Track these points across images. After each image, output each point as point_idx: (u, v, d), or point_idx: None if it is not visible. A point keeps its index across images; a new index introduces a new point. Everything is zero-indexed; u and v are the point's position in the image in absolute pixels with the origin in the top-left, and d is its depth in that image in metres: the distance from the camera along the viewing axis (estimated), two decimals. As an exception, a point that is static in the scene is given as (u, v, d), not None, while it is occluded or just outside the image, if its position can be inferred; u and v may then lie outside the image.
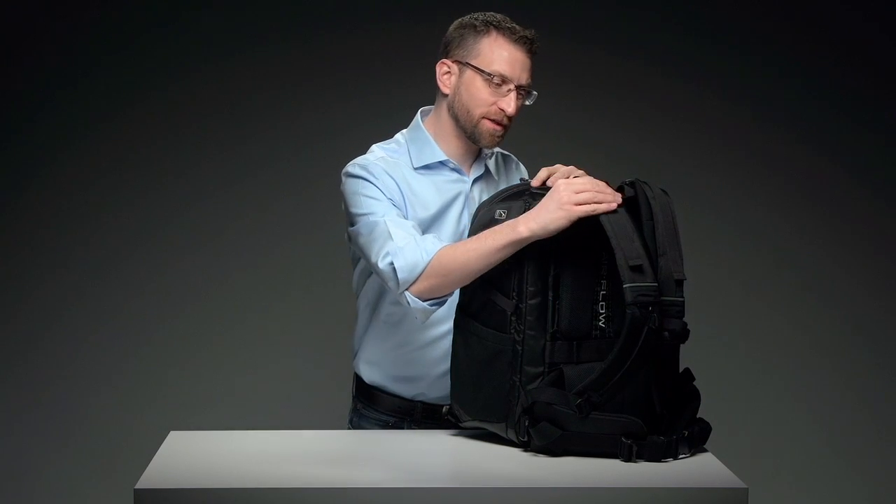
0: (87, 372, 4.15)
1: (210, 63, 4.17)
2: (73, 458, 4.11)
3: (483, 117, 2.58)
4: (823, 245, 4.29)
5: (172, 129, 4.19)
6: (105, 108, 4.16)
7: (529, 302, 2.32)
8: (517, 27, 2.59)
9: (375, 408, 2.73)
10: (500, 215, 2.40)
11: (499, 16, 2.61)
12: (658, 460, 2.27)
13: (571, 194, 2.29)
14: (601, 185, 2.33)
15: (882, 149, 4.29)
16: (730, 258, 4.27)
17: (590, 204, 2.29)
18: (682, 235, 2.33)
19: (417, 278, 2.41)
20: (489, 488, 2.15)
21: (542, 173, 2.47)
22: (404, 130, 2.72)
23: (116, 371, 4.15)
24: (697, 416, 2.38)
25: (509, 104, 2.56)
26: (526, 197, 2.40)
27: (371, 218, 2.51)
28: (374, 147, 2.69)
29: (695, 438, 2.33)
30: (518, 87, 2.57)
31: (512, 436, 2.35)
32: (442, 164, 2.65)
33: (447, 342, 2.55)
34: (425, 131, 2.66)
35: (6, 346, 4.15)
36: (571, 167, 2.48)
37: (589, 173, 2.49)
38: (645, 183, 2.36)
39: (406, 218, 2.57)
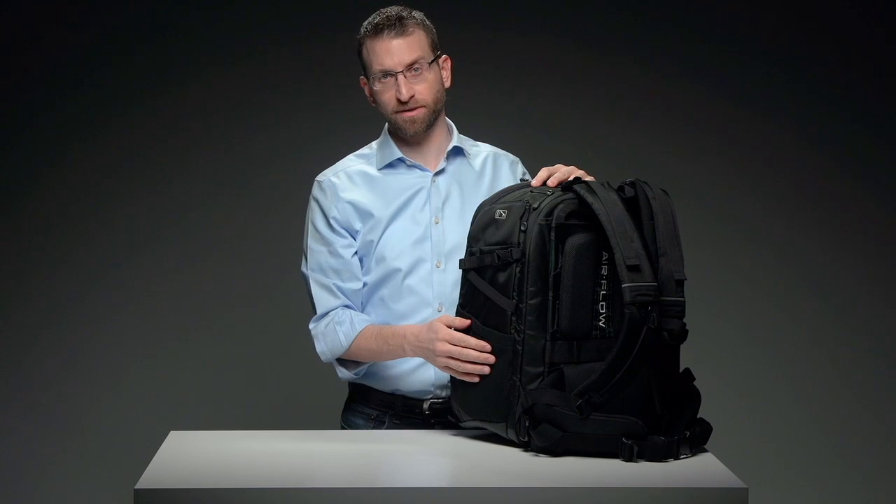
0: (87, 372, 4.14)
1: (200, 69, 4.17)
2: (73, 458, 4.11)
3: (393, 113, 2.70)
4: (824, 244, 4.28)
5: (173, 131, 4.18)
6: (101, 112, 4.16)
7: (529, 302, 2.32)
8: (377, 21, 2.68)
9: (364, 402, 2.79)
10: (500, 215, 2.41)
11: (368, 20, 2.70)
12: (659, 460, 2.27)
13: (444, 357, 2.46)
14: (473, 353, 2.43)
15: (882, 148, 4.29)
16: (730, 258, 4.27)
17: (453, 368, 2.46)
18: (682, 235, 2.33)
19: (338, 356, 2.72)
20: (489, 488, 2.14)
21: (543, 173, 2.48)
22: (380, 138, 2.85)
23: (116, 371, 4.15)
24: (698, 416, 2.38)
25: (400, 91, 2.66)
26: (526, 197, 2.40)
27: (308, 266, 2.75)
28: (349, 156, 2.83)
29: (696, 439, 2.33)
30: (408, 68, 2.65)
31: (512, 436, 2.35)
32: (400, 160, 2.76)
33: None
34: (388, 136, 2.78)
35: (6, 346, 4.14)
36: (572, 167, 2.49)
37: (589, 173, 2.49)
38: (645, 183, 2.36)
39: (355, 232, 2.73)
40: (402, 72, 2.65)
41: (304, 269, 2.78)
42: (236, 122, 4.21)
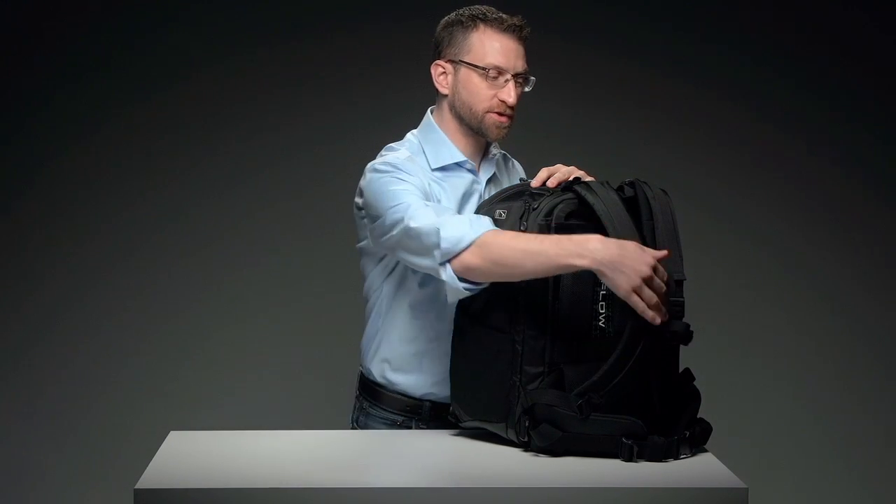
0: (87, 372, 4.15)
1: (211, 65, 4.17)
2: (73, 458, 4.11)
3: (487, 112, 2.55)
4: (823, 244, 4.29)
5: (174, 131, 4.19)
6: (101, 112, 4.16)
7: (529, 302, 2.32)
8: (504, 16, 2.56)
9: (382, 406, 2.69)
10: (500, 215, 2.40)
11: (483, 7, 2.58)
12: (659, 460, 2.27)
13: (639, 279, 2.19)
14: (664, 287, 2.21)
15: (882, 148, 4.29)
16: (730, 258, 4.28)
17: (641, 304, 2.19)
18: (681, 235, 2.33)
19: (460, 253, 2.31)
20: (489, 488, 2.15)
21: (543, 173, 2.48)
22: (414, 131, 2.66)
23: (116, 371, 4.15)
24: (697, 416, 2.38)
25: (510, 94, 2.53)
26: (526, 197, 2.40)
27: (407, 201, 2.42)
28: (395, 146, 2.62)
29: (695, 439, 2.33)
30: (515, 76, 2.55)
31: (512, 436, 2.35)
32: (459, 165, 2.61)
33: None
34: (440, 131, 2.61)
35: (6, 346, 4.15)
36: (572, 167, 2.49)
37: (589, 173, 2.49)
38: (645, 183, 2.37)
39: None
40: (515, 76, 2.54)
41: (394, 215, 2.41)
42: (235, 123, 4.21)
